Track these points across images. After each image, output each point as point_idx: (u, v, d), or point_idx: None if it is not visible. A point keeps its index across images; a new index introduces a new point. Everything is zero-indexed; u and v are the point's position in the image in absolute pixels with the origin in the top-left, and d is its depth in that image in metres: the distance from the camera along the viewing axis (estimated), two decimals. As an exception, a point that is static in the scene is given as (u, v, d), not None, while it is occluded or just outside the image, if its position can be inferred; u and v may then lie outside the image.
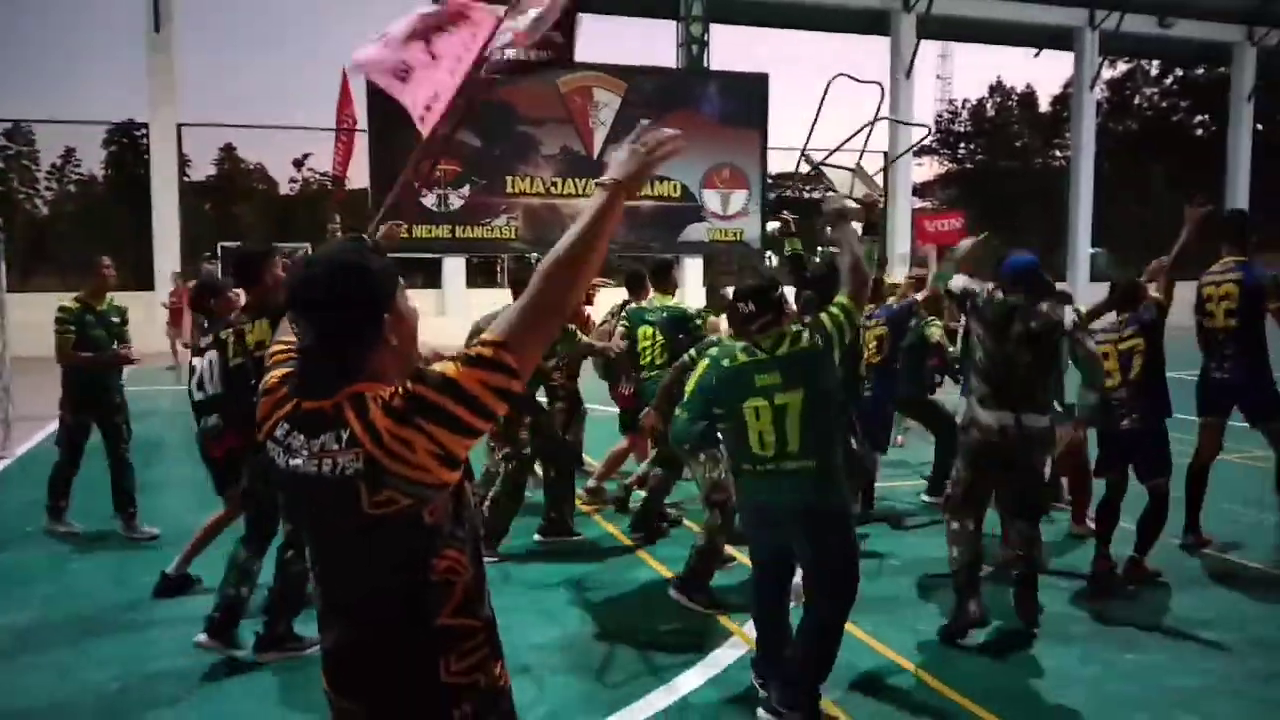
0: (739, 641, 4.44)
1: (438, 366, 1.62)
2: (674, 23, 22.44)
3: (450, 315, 19.35)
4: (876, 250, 4.96)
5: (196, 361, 4.73)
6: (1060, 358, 5.13)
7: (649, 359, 6.24)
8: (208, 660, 4.19)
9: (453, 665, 1.68)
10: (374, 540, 1.64)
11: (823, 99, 5.76)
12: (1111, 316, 5.44)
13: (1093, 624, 4.70)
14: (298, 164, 32.73)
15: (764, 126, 20.84)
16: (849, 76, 5.73)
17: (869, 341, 6.26)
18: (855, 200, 4.71)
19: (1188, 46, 27.35)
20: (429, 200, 19.06)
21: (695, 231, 20.93)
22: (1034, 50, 26.35)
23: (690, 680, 4.05)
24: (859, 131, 5.51)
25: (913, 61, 22.71)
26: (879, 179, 5.69)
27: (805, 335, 3.70)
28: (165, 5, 19.04)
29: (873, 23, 23.33)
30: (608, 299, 7.52)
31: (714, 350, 4.13)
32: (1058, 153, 37.56)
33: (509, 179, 19.76)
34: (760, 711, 3.75)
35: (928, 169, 40.64)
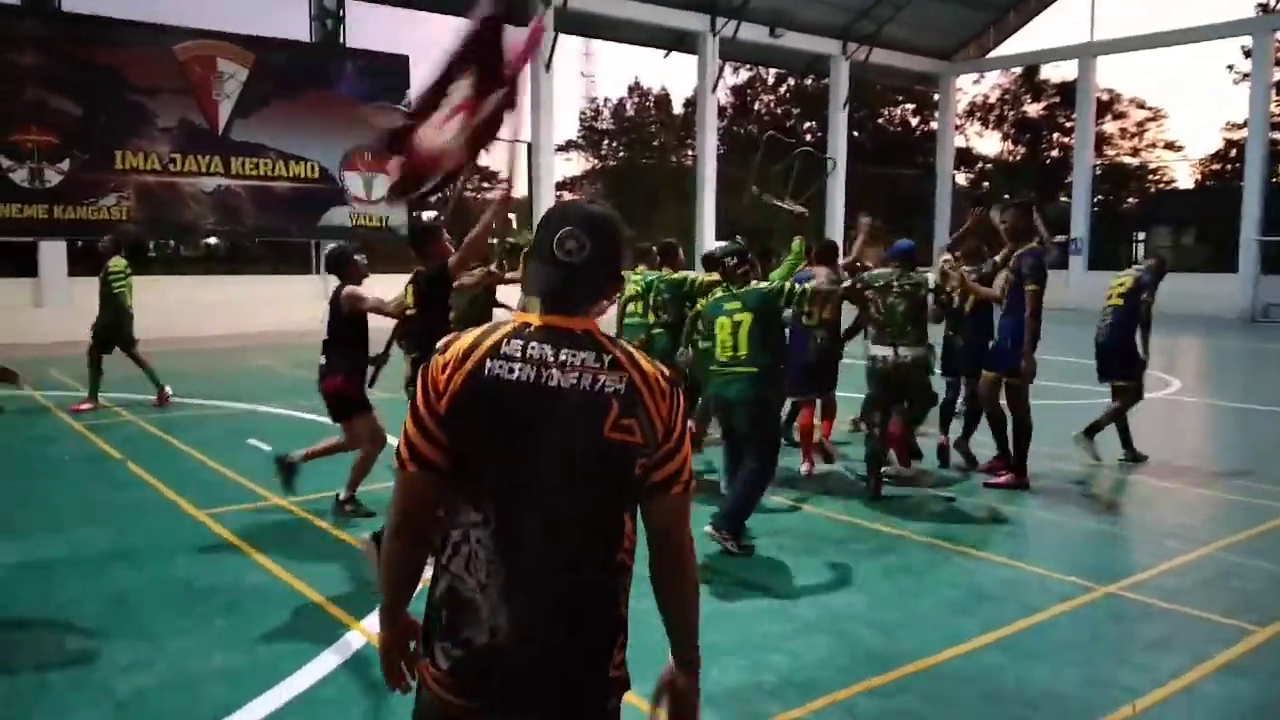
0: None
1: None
2: (308, -6, 21.20)
3: (49, 307, 16.80)
4: (800, 244, 6.91)
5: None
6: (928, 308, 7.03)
7: (655, 318, 7.69)
8: None
9: (616, 658, 1.69)
10: (595, 470, 1.65)
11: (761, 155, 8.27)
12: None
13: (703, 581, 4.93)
14: None
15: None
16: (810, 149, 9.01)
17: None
18: (792, 211, 7.07)
19: (796, 57, 30.33)
20: (18, 176, 16.57)
21: (337, 215, 20.00)
22: (664, 52, 27.90)
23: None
24: (791, 166, 8.06)
25: (552, 55, 23.14)
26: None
27: (763, 284, 5.77)
28: None
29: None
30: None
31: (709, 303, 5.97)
32: (690, 151, 40.18)
33: (119, 153, 17.65)
34: (706, 528, 5.30)
35: (575, 165, 41.89)
